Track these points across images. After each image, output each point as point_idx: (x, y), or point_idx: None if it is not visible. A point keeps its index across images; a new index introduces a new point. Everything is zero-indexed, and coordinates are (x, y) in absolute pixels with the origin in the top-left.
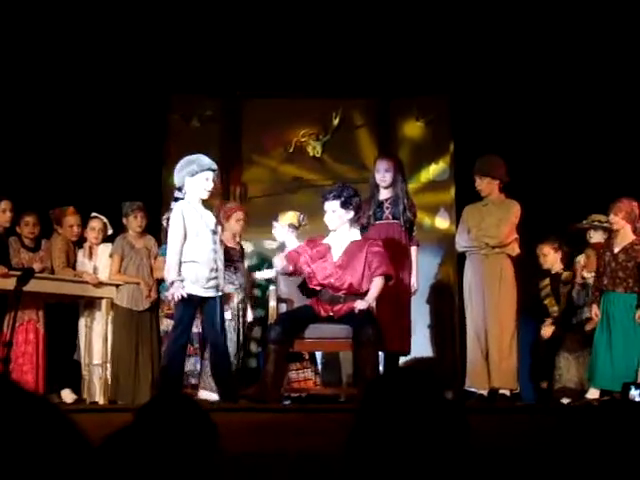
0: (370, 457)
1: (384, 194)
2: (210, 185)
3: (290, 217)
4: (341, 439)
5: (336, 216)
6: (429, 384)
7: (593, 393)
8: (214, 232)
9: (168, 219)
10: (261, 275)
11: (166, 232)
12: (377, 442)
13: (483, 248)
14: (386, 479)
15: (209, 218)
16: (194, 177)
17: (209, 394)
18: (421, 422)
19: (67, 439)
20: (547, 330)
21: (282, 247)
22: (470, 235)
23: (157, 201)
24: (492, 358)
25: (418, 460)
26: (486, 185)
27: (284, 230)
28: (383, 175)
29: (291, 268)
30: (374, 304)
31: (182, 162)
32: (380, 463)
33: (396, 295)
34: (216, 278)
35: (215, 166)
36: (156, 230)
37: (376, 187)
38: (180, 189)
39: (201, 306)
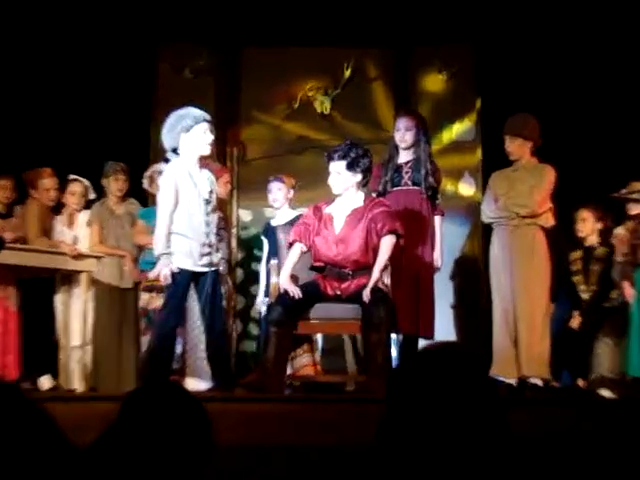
0: (405, 450)
1: (404, 156)
2: (210, 137)
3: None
4: (351, 432)
5: (341, 179)
6: (471, 365)
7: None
8: (207, 201)
9: (150, 178)
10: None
11: (147, 194)
12: (413, 433)
13: (513, 219)
14: (423, 473)
15: (203, 185)
16: (190, 132)
17: (197, 382)
18: (463, 408)
19: (41, 436)
20: (575, 321)
21: (292, 222)
22: (498, 204)
23: (143, 163)
24: (522, 343)
25: (458, 451)
26: (517, 147)
27: (282, 192)
28: (403, 134)
29: (304, 248)
30: (388, 279)
31: (171, 120)
32: (417, 456)
33: (417, 271)
34: (209, 254)
35: (209, 117)
36: (141, 195)
37: (395, 148)
38: (175, 151)
39: (194, 282)
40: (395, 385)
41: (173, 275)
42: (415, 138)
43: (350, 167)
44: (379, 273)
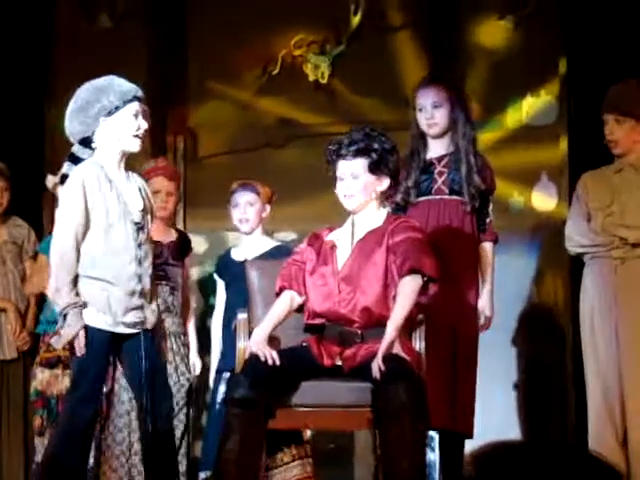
0: None
1: (435, 149)
2: (144, 124)
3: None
4: None
5: (359, 186)
6: None
7: None
8: (139, 226)
9: (55, 186)
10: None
11: (52, 215)
12: None
13: (617, 247)
14: None
15: (133, 199)
16: (113, 116)
17: None
18: None
19: None
20: None
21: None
22: (593, 224)
23: (36, 160)
24: (634, 439)
25: None
26: (625, 134)
27: (254, 208)
28: (431, 114)
29: (297, 298)
30: (421, 342)
31: (82, 95)
32: None
33: (451, 330)
34: (141, 308)
35: (141, 92)
36: (34, 213)
37: (420, 138)
38: (87, 142)
39: (118, 350)
40: None
41: (86, 342)
42: (449, 119)
43: (375, 167)
44: (395, 332)
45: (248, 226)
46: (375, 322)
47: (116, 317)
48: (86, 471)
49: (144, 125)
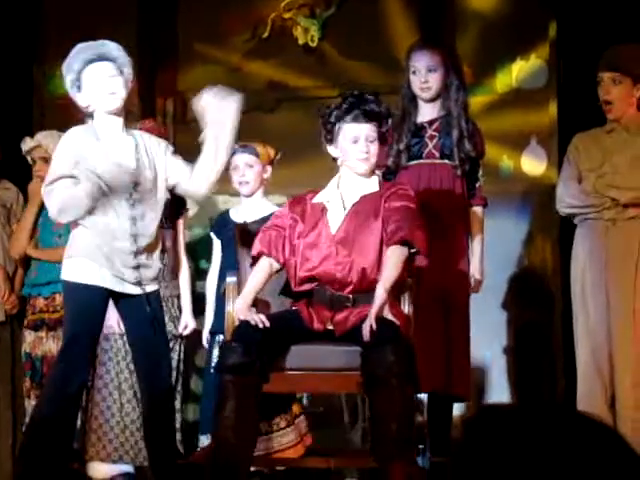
0: None
1: (426, 112)
2: (116, 85)
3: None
4: None
5: (375, 149)
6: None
7: None
8: (135, 185)
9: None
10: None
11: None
12: None
13: (608, 208)
14: None
15: (126, 156)
16: (91, 65)
17: (107, 467)
18: None
19: None
20: None
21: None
22: (584, 185)
23: (25, 123)
24: (622, 399)
25: None
26: (621, 94)
27: (255, 170)
28: (424, 78)
29: (275, 264)
30: (409, 306)
31: (68, 60)
32: None
33: (442, 294)
34: (138, 267)
35: (124, 56)
36: (22, 176)
37: (411, 101)
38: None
39: (117, 310)
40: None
41: (75, 297)
42: (443, 84)
43: (382, 136)
44: (385, 294)
45: (248, 188)
46: (367, 286)
47: (114, 272)
48: (73, 433)
49: (116, 86)
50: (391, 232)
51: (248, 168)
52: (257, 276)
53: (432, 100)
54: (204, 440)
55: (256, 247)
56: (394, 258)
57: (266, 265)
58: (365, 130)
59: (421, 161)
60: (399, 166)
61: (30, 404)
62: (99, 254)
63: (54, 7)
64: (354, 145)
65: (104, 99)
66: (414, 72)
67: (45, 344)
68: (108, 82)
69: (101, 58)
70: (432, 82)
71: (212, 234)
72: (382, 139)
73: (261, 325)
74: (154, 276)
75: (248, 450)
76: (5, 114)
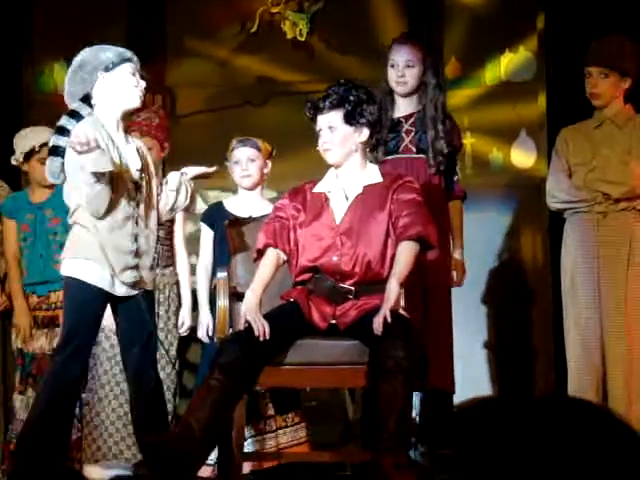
0: None
1: (402, 107)
2: (142, 82)
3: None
4: None
5: (338, 138)
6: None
7: None
8: (137, 185)
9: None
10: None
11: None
12: None
13: (598, 202)
14: None
15: (131, 156)
16: (111, 72)
17: (100, 470)
18: None
19: None
20: None
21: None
22: (575, 180)
23: (15, 120)
24: (613, 396)
25: None
26: (608, 87)
27: (257, 164)
28: (401, 72)
29: (283, 256)
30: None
31: (80, 56)
32: None
33: (422, 289)
34: (136, 268)
35: (136, 58)
36: (13, 175)
37: (389, 95)
38: (87, 99)
39: (113, 310)
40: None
41: (74, 295)
42: (419, 80)
43: (350, 118)
44: (399, 287)
45: (250, 181)
46: (371, 278)
47: (112, 272)
48: (71, 429)
49: (142, 83)
50: (404, 227)
51: (250, 162)
52: (266, 269)
53: (408, 95)
54: None
55: (261, 240)
56: (408, 253)
57: (273, 257)
58: (326, 120)
59: (398, 156)
60: (376, 160)
61: (20, 399)
62: (100, 254)
63: (44, 4)
64: (319, 137)
65: (130, 94)
66: (392, 65)
67: (36, 341)
68: (136, 80)
69: (129, 59)
70: (408, 77)
71: (204, 225)
72: (351, 121)
73: (262, 338)
74: (152, 278)
75: (205, 450)
76: None
